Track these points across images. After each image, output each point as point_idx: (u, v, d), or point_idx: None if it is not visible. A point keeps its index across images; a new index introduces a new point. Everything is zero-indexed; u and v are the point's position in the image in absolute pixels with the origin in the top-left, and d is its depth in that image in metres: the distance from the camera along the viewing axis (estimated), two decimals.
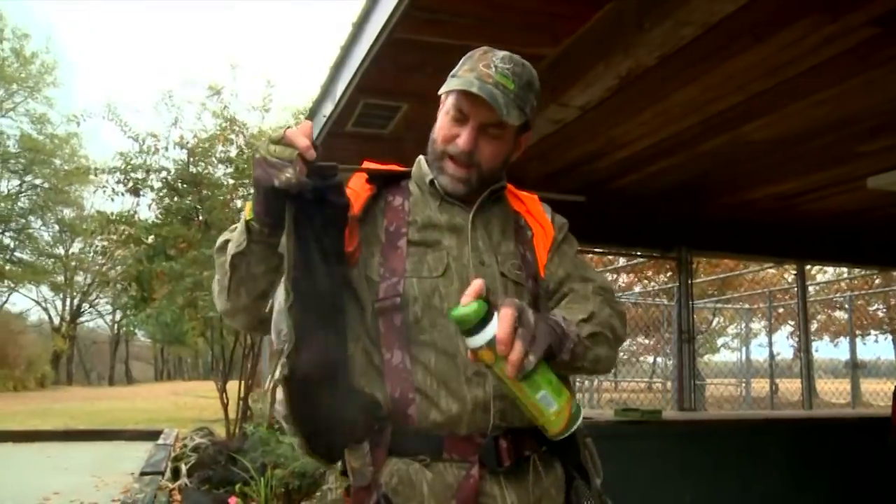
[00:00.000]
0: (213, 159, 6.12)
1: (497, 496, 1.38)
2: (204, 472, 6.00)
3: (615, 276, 16.83)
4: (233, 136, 6.28)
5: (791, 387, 11.56)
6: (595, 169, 5.09)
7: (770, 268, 13.09)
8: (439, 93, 1.50)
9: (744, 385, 11.83)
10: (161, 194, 5.91)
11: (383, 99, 3.56)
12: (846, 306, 13.21)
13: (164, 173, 6.00)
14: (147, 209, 6.26)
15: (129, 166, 6.10)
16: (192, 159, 6.07)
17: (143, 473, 7.17)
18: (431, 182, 1.53)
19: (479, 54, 1.50)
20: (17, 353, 27.13)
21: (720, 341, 21.37)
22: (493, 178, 1.54)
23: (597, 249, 6.23)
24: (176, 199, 5.88)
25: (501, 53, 1.50)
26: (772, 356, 10.89)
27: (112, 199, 6.05)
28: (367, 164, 1.55)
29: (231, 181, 6.17)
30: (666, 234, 5.86)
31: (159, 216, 5.95)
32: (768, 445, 4.74)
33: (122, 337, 37.11)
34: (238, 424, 6.48)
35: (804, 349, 6.21)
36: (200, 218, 5.92)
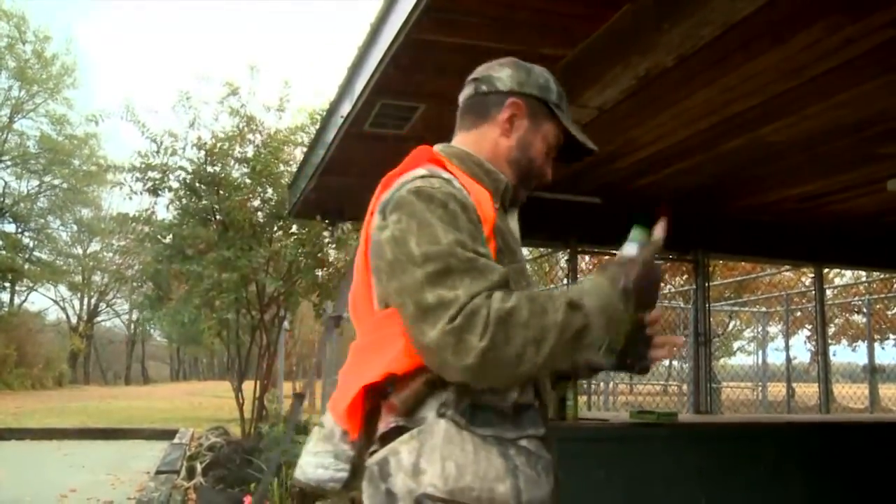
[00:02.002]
0: (231, 159, 6.15)
1: None
2: (219, 471, 6.02)
3: None
4: (250, 136, 6.32)
5: (808, 391, 11.48)
6: (612, 170, 5.07)
7: (787, 271, 12.98)
8: (567, 127, 1.61)
9: (760, 388, 11.73)
10: (179, 194, 5.95)
11: (401, 99, 3.56)
12: (864, 310, 13.10)
13: (181, 173, 6.03)
14: (165, 209, 6.32)
15: (148, 166, 6.15)
16: (209, 159, 6.11)
17: (158, 472, 7.22)
18: (506, 186, 1.54)
19: (564, 95, 1.65)
20: (36, 352, 27.38)
21: (736, 345, 21.24)
22: None
23: (613, 251, 6.20)
24: (194, 199, 5.91)
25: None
26: (788, 360, 10.80)
27: (130, 198, 6.11)
28: (441, 166, 1.49)
29: (249, 181, 6.19)
30: (683, 236, 5.81)
31: (177, 216, 5.98)
32: (785, 449, 4.70)
33: (138, 336, 37.38)
34: (253, 424, 6.51)
35: (822, 352, 6.15)
36: (218, 218, 5.95)
